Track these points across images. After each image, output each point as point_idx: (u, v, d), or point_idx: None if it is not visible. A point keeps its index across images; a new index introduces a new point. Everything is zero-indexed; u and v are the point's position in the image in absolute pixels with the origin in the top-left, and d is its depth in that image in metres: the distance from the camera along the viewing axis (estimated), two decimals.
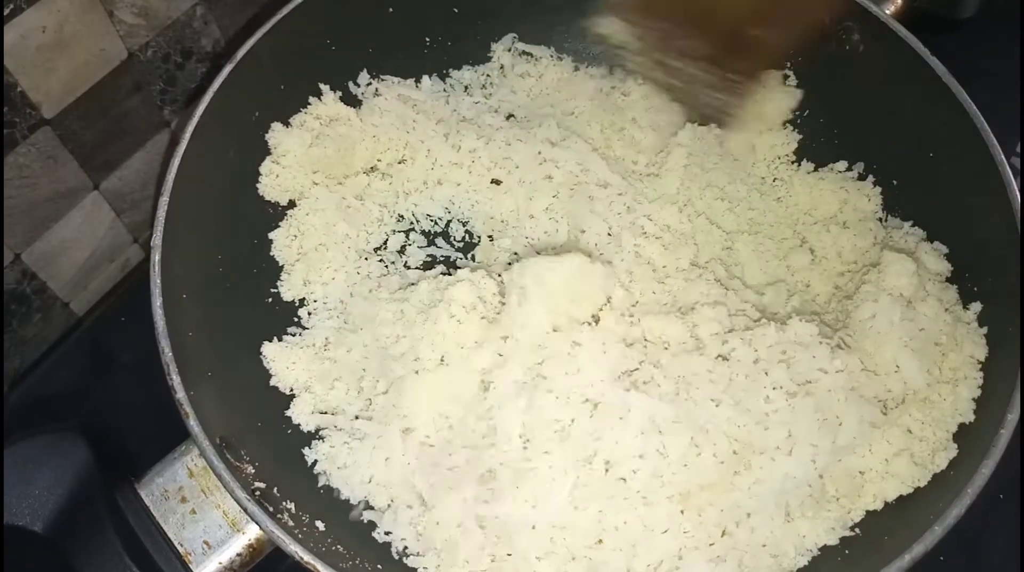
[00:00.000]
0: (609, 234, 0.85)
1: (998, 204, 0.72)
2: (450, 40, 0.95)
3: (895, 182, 0.85)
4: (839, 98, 0.89)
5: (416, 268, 0.87)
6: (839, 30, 0.85)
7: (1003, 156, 0.73)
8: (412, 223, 0.90)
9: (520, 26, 0.97)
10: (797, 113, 0.92)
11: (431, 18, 0.93)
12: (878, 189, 0.86)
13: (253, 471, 0.67)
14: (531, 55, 0.98)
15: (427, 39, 0.94)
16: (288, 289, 0.83)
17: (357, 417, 0.76)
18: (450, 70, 0.96)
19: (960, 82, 0.77)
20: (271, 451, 0.72)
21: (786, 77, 0.91)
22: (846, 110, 0.88)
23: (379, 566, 0.69)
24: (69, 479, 0.65)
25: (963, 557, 0.80)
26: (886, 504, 0.71)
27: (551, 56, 0.98)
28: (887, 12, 0.83)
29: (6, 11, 0.69)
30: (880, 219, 0.86)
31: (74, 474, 0.65)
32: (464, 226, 0.90)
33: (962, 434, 0.70)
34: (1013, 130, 0.97)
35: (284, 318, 0.82)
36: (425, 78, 0.95)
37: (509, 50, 0.97)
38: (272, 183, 0.85)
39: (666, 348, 0.75)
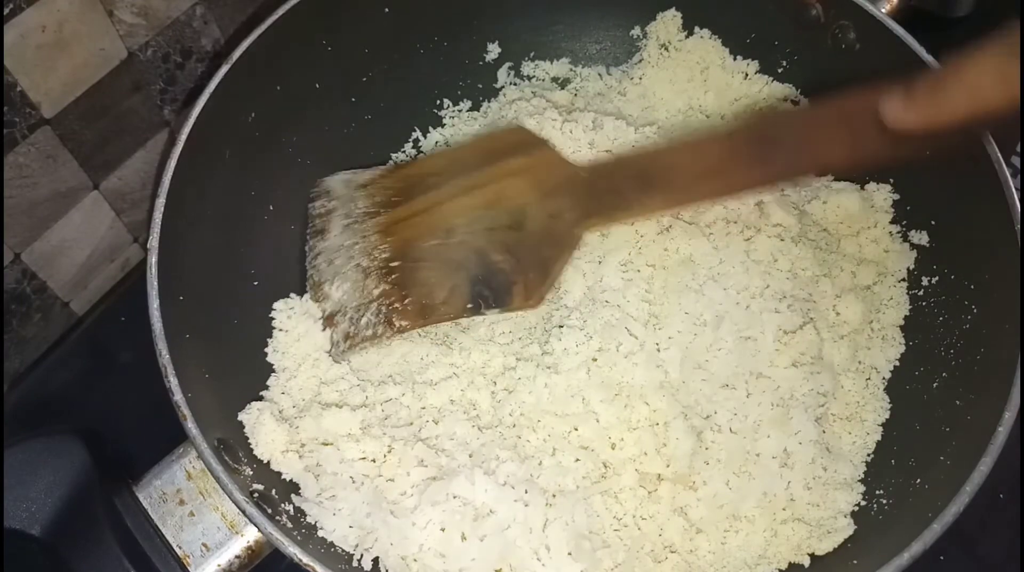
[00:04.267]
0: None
1: (995, 203, 0.72)
2: (446, 40, 0.94)
3: (891, 181, 0.85)
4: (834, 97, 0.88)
5: None
6: (835, 29, 0.85)
7: (1000, 154, 0.72)
8: None
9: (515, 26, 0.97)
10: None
11: (427, 18, 0.93)
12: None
13: (251, 473, 0.67)
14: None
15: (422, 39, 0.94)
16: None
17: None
18: None
19: None
20: None
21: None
22: None
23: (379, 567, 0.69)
24: (67, 482, 0.65)
25: (963, 557, 0.80)
26: (883, 507, 0.72)
27: None
28: (883, 11, 0.82)
29: (6, 11, 0.69)
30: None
31: (72, 477, 0.65)
32: None
33: (960, 432, 0.70)
34: (1012, 130, 0.96)
35: None
36: None
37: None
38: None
39: None
